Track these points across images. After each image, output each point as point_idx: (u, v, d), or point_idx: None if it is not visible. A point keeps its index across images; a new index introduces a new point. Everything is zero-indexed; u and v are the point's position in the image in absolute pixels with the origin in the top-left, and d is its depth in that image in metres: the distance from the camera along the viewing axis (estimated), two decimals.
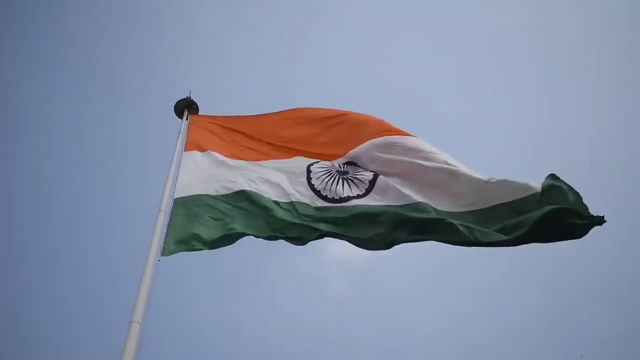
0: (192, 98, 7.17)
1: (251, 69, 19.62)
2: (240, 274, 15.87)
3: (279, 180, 5.74)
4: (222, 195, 5.44)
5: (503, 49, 19.28)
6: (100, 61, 18.39)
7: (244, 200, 5.42)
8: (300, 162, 6.06)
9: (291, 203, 5.41)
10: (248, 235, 5.01)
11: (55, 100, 17.52)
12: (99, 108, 17.85)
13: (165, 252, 4.62)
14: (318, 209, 5.33)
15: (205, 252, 4.82)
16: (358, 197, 5.40)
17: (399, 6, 19.50)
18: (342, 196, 5.40)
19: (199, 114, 7.13)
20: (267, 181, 5.73)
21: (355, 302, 16.08)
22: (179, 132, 6.60)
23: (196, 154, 6.13)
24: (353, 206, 5.27)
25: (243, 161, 6.19)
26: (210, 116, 7.00)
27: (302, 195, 5.51)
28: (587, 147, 16.98)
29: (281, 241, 5.09)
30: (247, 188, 5.56)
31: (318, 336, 15.11)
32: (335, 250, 17.90)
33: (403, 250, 5.41)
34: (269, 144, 6.48)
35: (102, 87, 18.27)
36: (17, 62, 17.33)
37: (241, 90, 18.05)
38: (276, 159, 6.21)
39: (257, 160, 6.22)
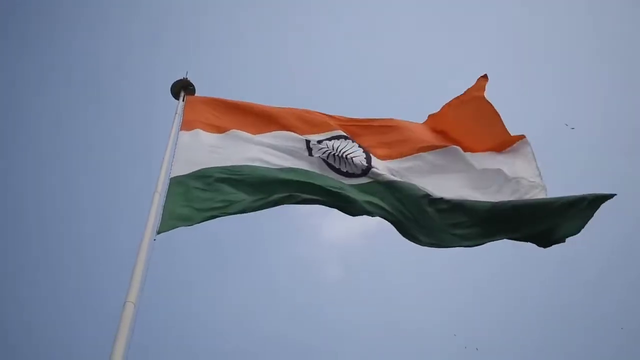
0: (188, 79, 7.12)
1: (249, 51, 19.56)
2: (236, 258, 15.92)
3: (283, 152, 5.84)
4: (219, 168, 5.43)
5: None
6: (98, 47, 18.34)
7: (244, 172, 5.43)
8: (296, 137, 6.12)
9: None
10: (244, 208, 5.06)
11: (55, 84, 17.51)
12: (99, 91, 17.85)
13: (160, 229, 4.60)
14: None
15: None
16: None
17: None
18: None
19: (196, 95, 7.08)
20: (271, 153, 5.80)
21: (351, 285, 16.16)
22: (175, 113, 6.55)
23: (192, 132, 6.09)
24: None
25: (241, 132, 6.17)
26: (207, 97, 6.95)
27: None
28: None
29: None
30: (248, 162, 5.58)
31: (313, 319, 15.18)
32: (331, 234, 17.94)
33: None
34: (270, 117, 6.46)
35: (100, 69, 18.23)
36: (18, 48, 17.30)
37: (238, 72, 18.01)
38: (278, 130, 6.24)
39: (258, 134, 6.21)
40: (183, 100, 6.84)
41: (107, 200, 16.15)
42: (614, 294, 14.68)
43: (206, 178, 5.28)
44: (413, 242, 5.29)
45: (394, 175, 5.70)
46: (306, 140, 6.07)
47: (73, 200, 16.38)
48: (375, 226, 17.63)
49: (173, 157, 5.59)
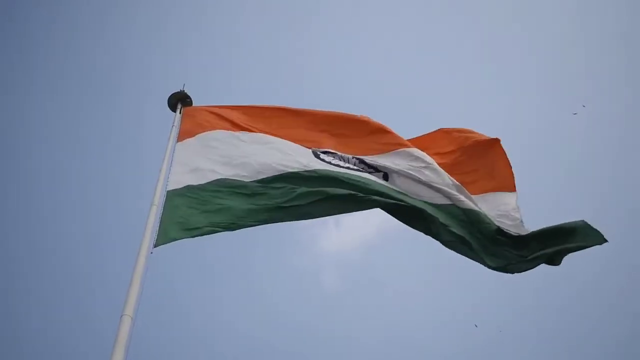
0: (185, 91, 7.13)
1: (246, 62, 19.60)
2: (233, 268, 15.88)
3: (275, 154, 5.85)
4: (212, 182, 5.42)
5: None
6: (96, 55, 18.37)
7: (239, 185, 5.41)
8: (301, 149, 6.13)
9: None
10: (243, 224, 5.02)
11: (51, 95, 17.51)
12: (95, 102, 17.85)
13: (157, 242, 4.59)
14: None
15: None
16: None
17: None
18: None
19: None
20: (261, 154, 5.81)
21: (350, 297, 16.10)
22: (172, 126, 6.55)
23: (189, 141, 6.10)
24: None
25: (239, 132, 6.21)
26: (204, 106, 6.97)
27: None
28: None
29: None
30: (241, 172, 5.56)
31: (311, 331, 15.12)
32: (329, 245, 17.91)
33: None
34: (268, 123, 6.49)
35: (98, 80, 18.26)
36: (12, 52, 17.31)
37: (236, 85, 18.03)
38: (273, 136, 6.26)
39: (253, 132, 6.27)
40: (180, 113, 6.86)
41: (104, 214, 16.11)
42: (603, 303, 14.69)
43: (203, 191, 5.27)
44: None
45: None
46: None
47: (69, 213, 16.34)
48: (373, 238, 17.65)
49: (170, 170, 5.60)
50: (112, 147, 17.38)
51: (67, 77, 18.20)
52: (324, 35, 20.81)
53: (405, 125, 6.84)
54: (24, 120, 17.21)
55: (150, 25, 19.69)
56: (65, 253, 15.52)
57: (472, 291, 14.84)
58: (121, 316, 4.06)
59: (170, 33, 19.55)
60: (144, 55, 19.07)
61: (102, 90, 18.00)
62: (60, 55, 18.25)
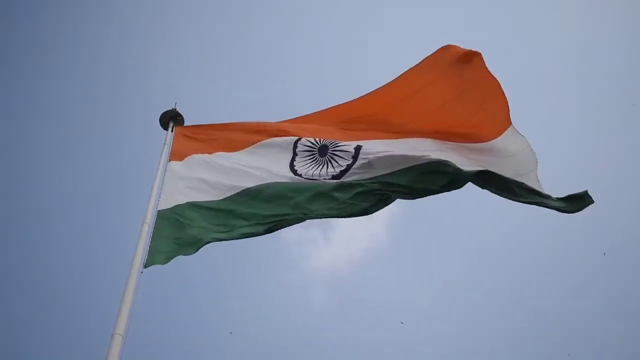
0: (177, 110, 7.19)
1: (239, 80, 19.68)
2: (222, 287, 15.85)
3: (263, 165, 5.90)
4: (206, 201, 5.47)
5: None
6: (93, 71, 18.43)
7: (230, 201, 5.46)
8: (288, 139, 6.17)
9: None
10: (229, 239, 5.07)
11: (45, 109, 17.51)
12: (89, 118, 17.87)
13: (147, 263, 4.63)
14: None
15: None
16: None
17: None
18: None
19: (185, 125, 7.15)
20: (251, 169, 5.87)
21: (339, 313, 16.10)
22: (164, 144, 6.60)
23: (180, 162, 6.14)
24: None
25: (229, 153, 6.27)
26: (196, 125, 7.03)
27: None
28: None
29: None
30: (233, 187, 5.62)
31: (302, 348, 15.09)
32: (318, 262, 17.93)
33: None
34: (257, 130, 6.55)
35: (94, 96, 18.29)
36: (14, 79, 17.34)
37: (228, 102, 18.10)
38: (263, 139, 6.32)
39: (244, 148, 6.32)
40: (172, 131, 6.91)
41: (96, 232, 16.07)
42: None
43: (192, 209, 5.32)
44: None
45: None
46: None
47: (62, 229, 16.29)
48: (362, 257, 17.69)
49: (161, 189, 5.64)
50: (107, 165, 17.40)
51: (63, 90, 18.24)
52: (322, 51, 20.94)
53: None
54: (23, 142, 17.20)
55: (146, 40, 19.79)
56: (58, 271, 15.46)
57: (463, 303, 14.90)
58: (112, 335, 4.08)
59: (163, 51, 19.65)
60: (139, 71, 19.14)
61: (100, 110, 18.04)
62: (56, 70, 18.29)
